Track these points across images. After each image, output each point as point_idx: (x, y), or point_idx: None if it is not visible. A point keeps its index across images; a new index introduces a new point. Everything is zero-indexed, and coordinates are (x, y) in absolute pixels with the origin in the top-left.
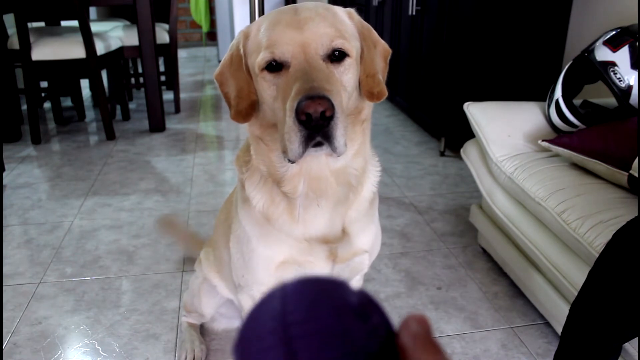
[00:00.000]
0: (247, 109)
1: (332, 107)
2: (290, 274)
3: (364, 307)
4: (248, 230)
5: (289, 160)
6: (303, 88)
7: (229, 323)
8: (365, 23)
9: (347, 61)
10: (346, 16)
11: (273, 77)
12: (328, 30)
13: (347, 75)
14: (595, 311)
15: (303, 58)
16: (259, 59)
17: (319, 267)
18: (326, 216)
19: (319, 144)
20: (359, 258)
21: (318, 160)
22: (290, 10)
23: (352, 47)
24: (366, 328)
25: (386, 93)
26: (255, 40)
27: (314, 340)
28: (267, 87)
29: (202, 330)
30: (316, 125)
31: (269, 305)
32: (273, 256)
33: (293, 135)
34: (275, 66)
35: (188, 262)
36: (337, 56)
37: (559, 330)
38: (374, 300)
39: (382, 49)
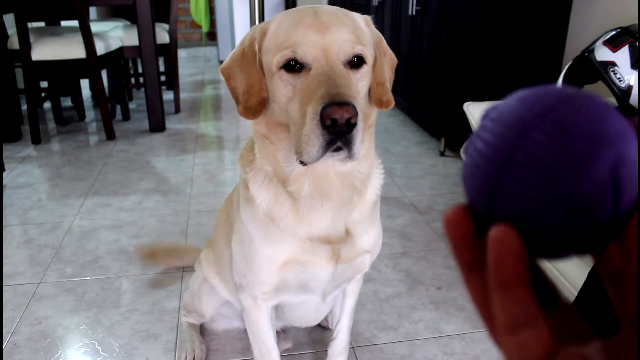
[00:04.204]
0: (257, 105)
1: (356, 114)
2: (292, 274)
3: (625, 179)
4: (251, 230)
5: (302, 162)
6: (328, 93)
7: (229, 323)
8: (377, 32)
9: (364, 68)
10: (363, 23)
11: (290, 78)
12: (350, 36)
13: (362, 82)
14: (596, 311)
15: (325, 62)
16: (278, 57)
17: (322, 267)
18: (330, 217)
19: (337, 149)
20: (361, 258)
21: (325, 162)
22: (310, 12)
23: (369, 54)
24: (612, 201)
25: (393, 102)
26: (274, 38)
27: (541, 179)
28: (282, 86)
29: (202, 330)
30: (339, 131)
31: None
32: (276, 256)
33: (314, 138)
34: (293, 67)
35: None
36: (355, 63)
37: None
38: None
39: (389, 58)
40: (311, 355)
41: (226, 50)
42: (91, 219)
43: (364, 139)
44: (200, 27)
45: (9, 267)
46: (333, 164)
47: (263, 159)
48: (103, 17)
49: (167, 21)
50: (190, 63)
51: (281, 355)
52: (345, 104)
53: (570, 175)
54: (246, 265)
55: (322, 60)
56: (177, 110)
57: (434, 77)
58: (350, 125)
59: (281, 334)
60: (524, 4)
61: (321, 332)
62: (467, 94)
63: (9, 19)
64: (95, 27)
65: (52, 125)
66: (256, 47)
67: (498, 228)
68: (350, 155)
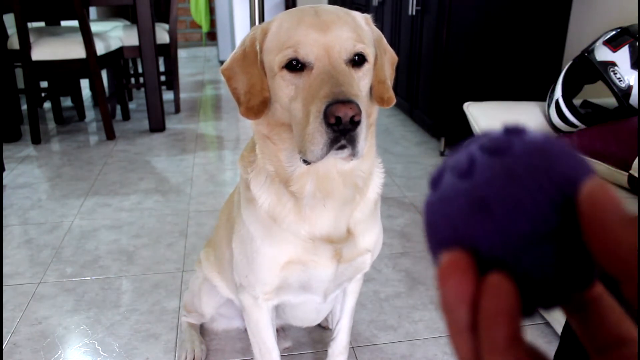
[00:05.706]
0: (259, 105)
1: (360, 112)
2: (294, 274)
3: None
4: (252, 231)
5: (305, 162)
6: (332, 91)
7: (229, 323)
8: (378, 30)
9: (366, 66)
10: (363, 21)
11: (293, 77)
12: (351, 35)
13: (364, 81)
14: None
15: (327, 61)
16: (280, 56)
17: (324, 266)
18: (332, 216)
19: (341, 147)
20: (362, 258)
21: (328, 160)
22: (311, 11)
23: (370, 52)
24: (553, 200)
25: (395, 99)
26: (276, 37)
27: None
28: (284, 86)
29: (202, 330)
30: (344, 129)
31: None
32: (278, 256)
33: (318, 136)
34: (295, 66)
35: (188, 262)
36: (357, 61)
37: (559, 330)
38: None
39: (390, 56)
40: (311, 355)
41: (226, 50)
42: (91, 219)
43: (366, 137)
44: (200, 27)
45: (9, 267)
46: (335, 163)
47: (265, 159)
48: (103, 17)
49: (167, 21)
50: (190, 63)
51: (281, 355)
52: (348, 101)
53: None
54: (247, 265)
55: (324, 59)
56: (177, 110)
57: (434, 77)
58: (354, 123)
59: (281, 332)
60: (524, 4)
61: (321, 332)
62: (467, 94)
63: (9, 19)
64: (95, 27)
65: (52, 125)
66: (257, 47)
67: (495, 278)
68: (354, 153)
